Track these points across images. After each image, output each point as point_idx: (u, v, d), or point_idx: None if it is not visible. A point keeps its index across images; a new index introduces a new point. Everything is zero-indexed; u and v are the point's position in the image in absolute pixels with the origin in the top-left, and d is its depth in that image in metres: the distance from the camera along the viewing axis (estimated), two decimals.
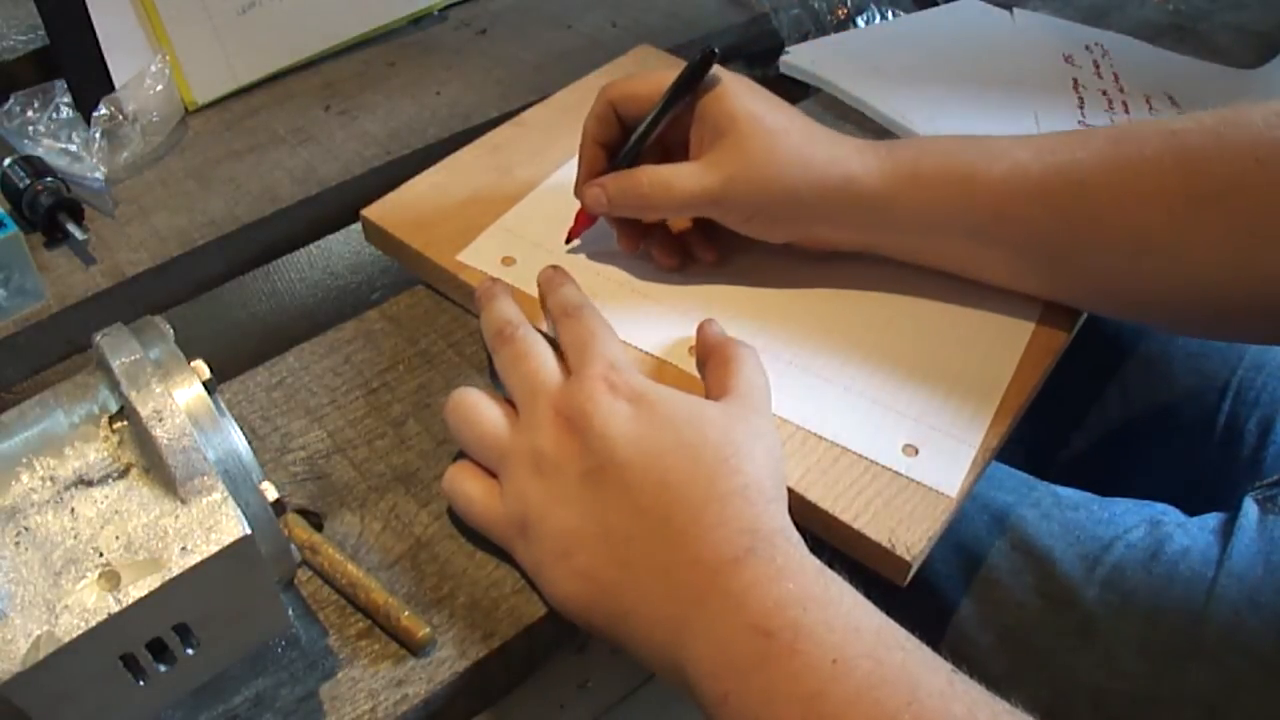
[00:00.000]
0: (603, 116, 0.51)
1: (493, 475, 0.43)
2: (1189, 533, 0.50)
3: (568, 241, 0.54)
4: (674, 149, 0.51)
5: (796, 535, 0.37)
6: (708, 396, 0.43)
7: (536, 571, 0.40)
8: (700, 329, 0.48)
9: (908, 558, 0.41)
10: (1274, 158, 0.43)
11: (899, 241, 0.50)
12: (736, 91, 0.48)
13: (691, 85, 0.48)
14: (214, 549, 0.31)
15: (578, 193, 0.52)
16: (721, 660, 0.34)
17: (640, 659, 0.38)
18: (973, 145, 0.48)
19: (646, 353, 0.49)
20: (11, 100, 0.62)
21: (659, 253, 0.53)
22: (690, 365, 0.48)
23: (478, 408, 0.43)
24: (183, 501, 0.32)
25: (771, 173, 0.47)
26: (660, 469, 0.38)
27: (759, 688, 0.33)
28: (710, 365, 0.46)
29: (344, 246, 0.71)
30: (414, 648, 0.40)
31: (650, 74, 0.50)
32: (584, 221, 0.54)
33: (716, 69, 0.49)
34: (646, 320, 0.51)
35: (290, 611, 0.39)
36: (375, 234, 0.56)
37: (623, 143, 0.51)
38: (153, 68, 0.63)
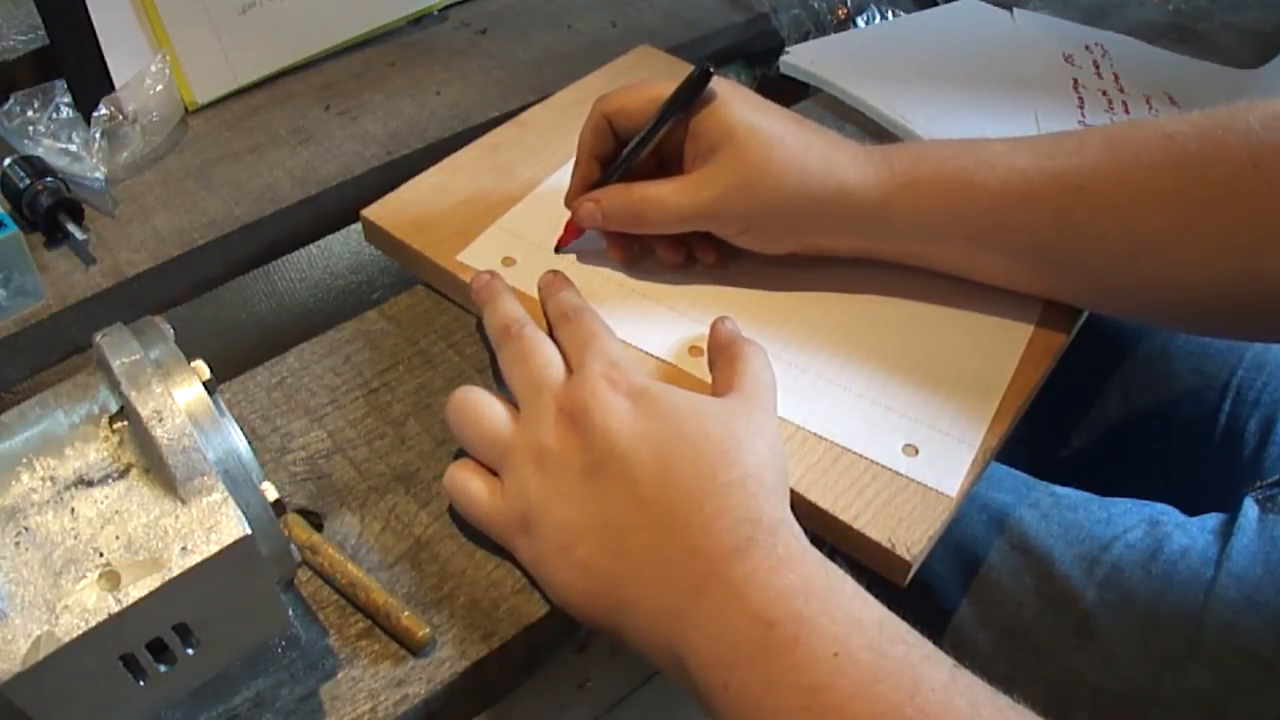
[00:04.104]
0: (598, 129, 0.51)
1: (493, 473, 0.43)
2: (1188, 533, 0.50)
3: (557, 250, 0.54)
4: (669, 159, 0.51)
5: (798, 527, 0.38)
6: (714, 392, 0.43)
7: (537, 566, 0.41)
8: (713, 325, 0.48)
9: (908, 558, 0.41)
10: (1270, 162, 0.43)
11: (896, 247, 0.51)
12: (731, 103, 0.48)
13: (686, 102, 0.48)
14: (214, 549, 0.31)
15: (570, 205, 0.52)
16: (722, 650, 0.34)
17: (640, 651, 0.38)
18: (969, 151, 0.48)
19: (646, 353, 0.49)
20: (11, 100, 0.62)
21: (664, 250, 0.53)
22: (690, 365, 0.48)
23: (479, 405, 0.43)
24: (183, 501, 0.32)
25: (766, 186, 0.47)
26: (661, 461, 0.38)
27: (760, 677, 0.33)
28: (719, 362, 0.46)
29: (344, 246, 0.71)
30: (414, 648, 0.40)
31: (644, 85, 0.50)
32: (573, 231, 0.53)
33: (713, 81, 0.48)
34: (646, 321, 0.51)
35: (290, 611, 0.39)
36: (375, 234, 0.56)
37: (618, 154, 0.51)
38: (153, 68, 0.63)
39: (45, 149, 0.61)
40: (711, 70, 0.47)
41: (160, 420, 0.32)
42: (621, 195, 0.50)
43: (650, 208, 0.49)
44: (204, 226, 0.59)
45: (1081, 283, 0.49)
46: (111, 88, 0.63)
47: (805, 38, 0.76)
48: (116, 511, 0.32)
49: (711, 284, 0.53)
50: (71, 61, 0.62)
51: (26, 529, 0.31)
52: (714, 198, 0.48)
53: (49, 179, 0.57)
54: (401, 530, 0.45)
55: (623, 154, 0.50)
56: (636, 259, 0.53)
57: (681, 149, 0.50)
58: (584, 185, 0.52)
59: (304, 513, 0.45)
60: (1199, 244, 0.45)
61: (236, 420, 0.35)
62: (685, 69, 0.48)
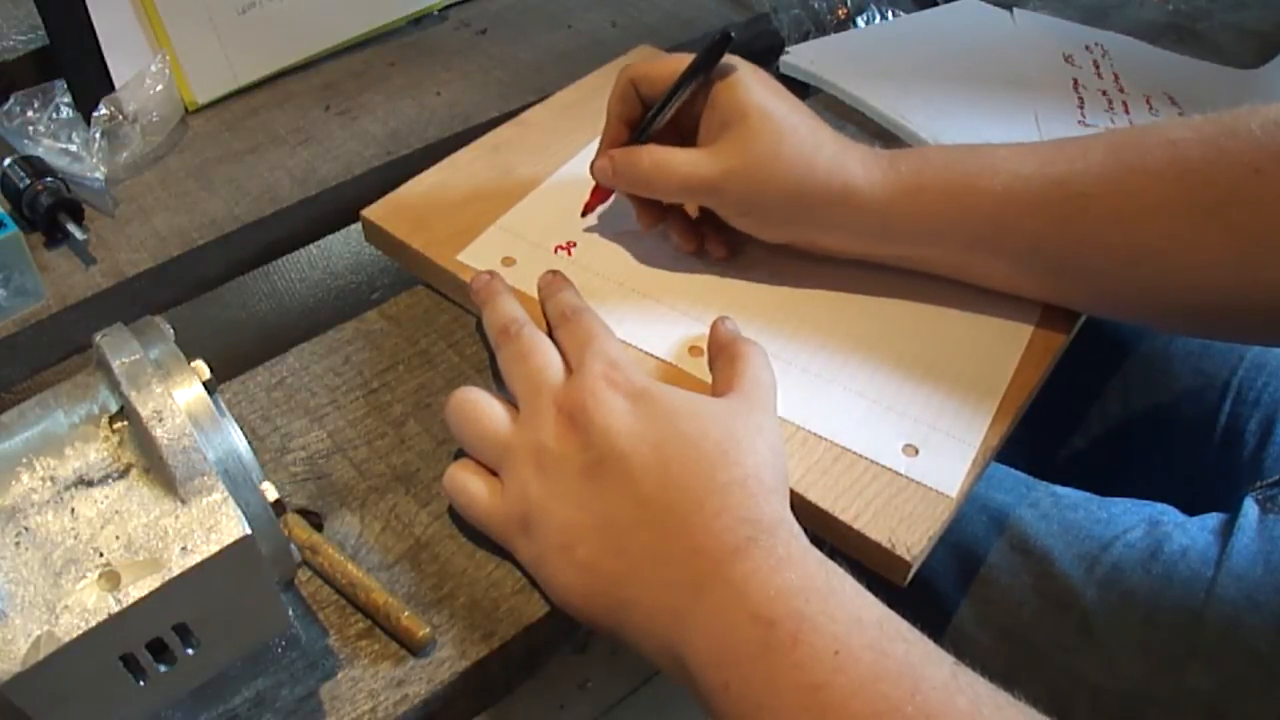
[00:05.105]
0: (624, 95, 0.51)
1: (493, 474, 0.43)
2: (1188, 532, 0.50)
3: (583, 215, 0.55)
4: (689, 134, 0.52)
5: (798, 527, 0.38)
6: (714, 392, 0.43)
7: (538, 566, 0.41)
8: (713, 326, 0.48)
9: (908, 558, 0.41)
10: (1271, 168, 0.43)
11: (897, 251, 0.51)
12: (750, 84, 0.49)
13: (707, 67, 0.49)
14: (214, 549, 0.31)
15: (591, 166, 0.53)
16: (722, 649, 0.34)
17: (640, 650, 0.38)
18: (973, 156, 0.48)
19: (646, 353, 0.49)
20: (11, 100, 0.62)
21: (678, 235, 0.53)
22: (690, 364, 0.48)
23: (479, 406, 0.43)
24: (183, 501, 0.32)
25: (771, 172, 0.48)
26: (661, 460, 0.38)
27: (760, 677, 0.33)
28: (719, 362, 0.46)
29: (344, 246, 0.71)
30: (414, 648, 0.40)
31: (671, 57, 0.50)
32: (599, 196, 0.54)
33: (736, 60, 0.49)
34: (646, 321, 0.51)
35: (290, 611, 0.39)
36: (375, 234, 0.56)
37: (643, 119, 0.52)
38: (153, 68, 0.63)
39: (45, 149, 0.61)
40: (732, 35, 0.48)
41: (160, 420, 0.32)
42: (631, 155, 0.50)
43: (657, 171, 0.49)
44: (204, 226, 0.59)
45: (1082, 288, 0.49)
46: (111, 88, 0.63)
47: (805, 38, 0.76)
48: (116, 511, 0.32)
49: (711, 284, 0.53)
50: (71, 61, 0.62)
51: (26, 529, 0.31)
52: (719, 173, 0.48)
53: (49, 179, 0.57)
54: (401, 530, 0.45)
55: (646, 117, 0.51)
56: (643, 256, 0.54)
57: (699, 123, 0.50)
58: (610, 147, 0.53)
59: (304, 513, 0.45)
60: (1201, 250, 0.45)
61: (236, 420, 0.35)
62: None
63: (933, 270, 0.51)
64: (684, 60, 0.49)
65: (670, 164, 0.49)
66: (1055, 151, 0.48)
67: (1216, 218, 0.44)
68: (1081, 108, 0.69)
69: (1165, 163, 0.45)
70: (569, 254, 0.54)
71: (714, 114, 0.49)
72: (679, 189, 0.50)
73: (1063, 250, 0.47)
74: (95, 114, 0.61)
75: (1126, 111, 0.69)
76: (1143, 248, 0.46)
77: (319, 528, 0.44)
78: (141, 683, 0.32)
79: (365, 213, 0.56)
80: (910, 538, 0.42)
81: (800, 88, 0.72)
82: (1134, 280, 0.47)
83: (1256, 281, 0.44)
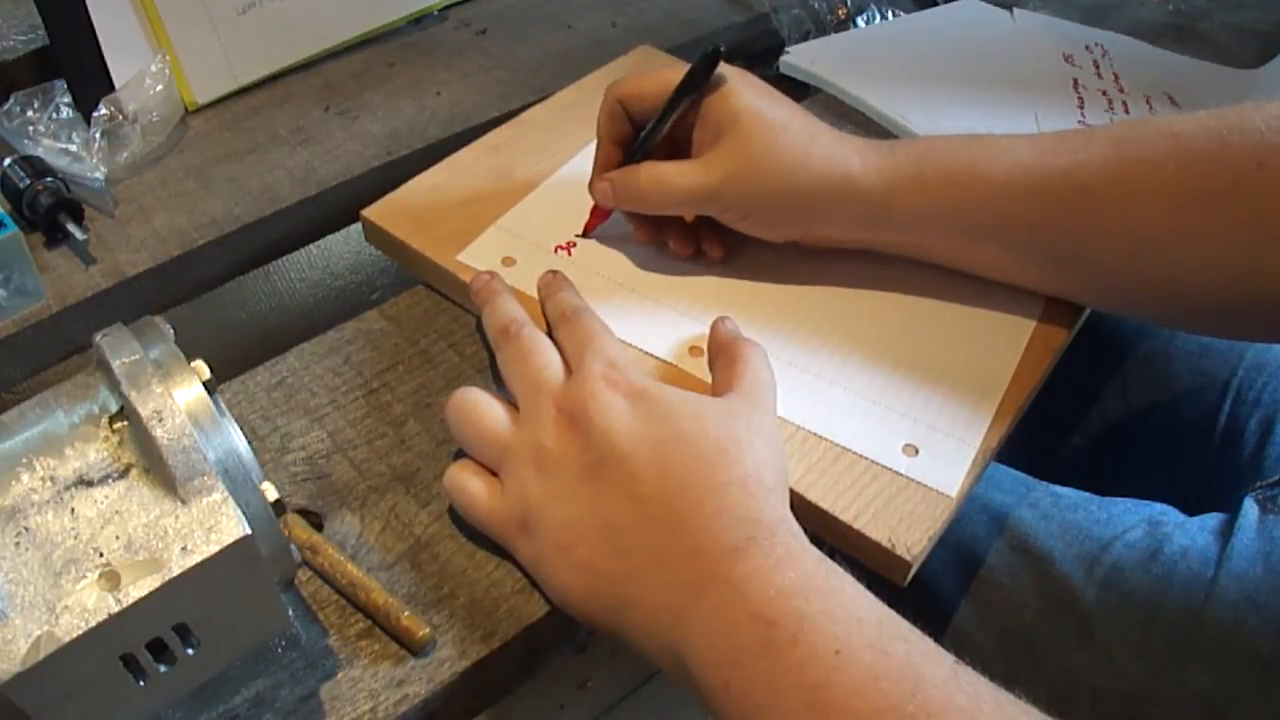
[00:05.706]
0: (613, 114, 0.51)
1: (493, 474, 0.43)
2: (1188, 533, 0.50)
3: (584, 236, 0.55)
4: (682, 144, 0.52)
5: (797, 526, 0.38)
6: (714, 392, 0.43)
7: (537, 567, 0.41)
8: (713, 326, 0.48)
9: (908, 558, 0.41)
10: (1274, 162, 0.43)
11: (898, 239, 0.51)
12: (740, 89, 0.49)
13: (697, 84, 0.49)
14: (214, 549, 0.31)
15: (589, 187, 0.53)
16: (723, 649, 0.34)
17: (640, 650, 0.38)
18: (975, 145, 0.49)
19: (646, 353, 0.49)
20: (11, 100, 0.62)
21: (675, 242, 0.53)
22: (690, 365, 0.48)
23: (479, 406, 0.43)
24: (183, 501, 0.32)
25: (770, 170, 0.48)
26: (661, 460, 0.38)
27: (761, 676, 0.33)
28: (719, 362, 0.46)
29: (344, 246, 0.71)
30: (414, 648, 0.40)
31: (657, 71, 0.50)
32: (598, 216, 0.54)
33: (725, 68, 0.49)
34: (646, 321, 0.51)
35: (290, 611, 0.39)
36: (375, 234, 0.56)
37: (635, 138, 0.51)
38: (153, 68, 0.63)
39: (45, 149, 0.61)
40: (722, 50, 0.48)
41: (160, 420, 0.32)
42: (629, 175, 0.51)
43: (656, 187, 0.50)
44: (204, 226, 0.59)
45: (1083, 279, 0.49)
46: (111, 88, 0.63)
47: (805, 38, 0.76)
48: (116, 511, 0.32)
49: (711, 284, 0.53)
50: (71, 61, 0.62)
51: (26, 529, 0.31)
52: (718, 180, 0.48)
53: (49, 179, 0.57)
54: (401, 530, 0.45)
55: (640, 137, 0.51)
56: (643, 257, 0.54)
57: (692, 134, 0.50)
58: (604, 168, 0.53)
59: (304, 513, 0.45)
60: (1201, 242, 0.45)
61: (236, 420, 0.35)
62: (686, 69, 0.49)
63: (935, 259, 0.51)
64: (668, 73, 0.49)
65: (669, 178, 0.49)
66: (1057, 141, 0.48)
67: (1217, 209, 0.44)
68: (1081, 108, 0.69)
69: (1167, 153, 0.45)
70: (569, 254, 0.54)
71: (707, 123, 0.49)
72: (680, 202, 0.50)
73: (1063, 239, 0.47)
74: (95, 114, 0.61)
75: (1126, 111, 0.69)
76: (1143, 237, 0.46)
77: (319, 528, 0.44)
78: (141, 683, 0.32)
79: (365, 213, 0.56)
80: (910, 538, 0.42)
81: (800, 88, 0.72)
82: (1133, 271, 0.47)
83: (1255, 275, 0.44)
